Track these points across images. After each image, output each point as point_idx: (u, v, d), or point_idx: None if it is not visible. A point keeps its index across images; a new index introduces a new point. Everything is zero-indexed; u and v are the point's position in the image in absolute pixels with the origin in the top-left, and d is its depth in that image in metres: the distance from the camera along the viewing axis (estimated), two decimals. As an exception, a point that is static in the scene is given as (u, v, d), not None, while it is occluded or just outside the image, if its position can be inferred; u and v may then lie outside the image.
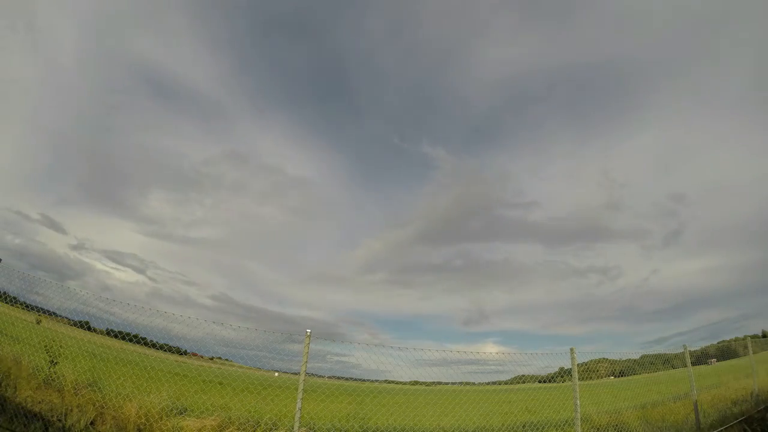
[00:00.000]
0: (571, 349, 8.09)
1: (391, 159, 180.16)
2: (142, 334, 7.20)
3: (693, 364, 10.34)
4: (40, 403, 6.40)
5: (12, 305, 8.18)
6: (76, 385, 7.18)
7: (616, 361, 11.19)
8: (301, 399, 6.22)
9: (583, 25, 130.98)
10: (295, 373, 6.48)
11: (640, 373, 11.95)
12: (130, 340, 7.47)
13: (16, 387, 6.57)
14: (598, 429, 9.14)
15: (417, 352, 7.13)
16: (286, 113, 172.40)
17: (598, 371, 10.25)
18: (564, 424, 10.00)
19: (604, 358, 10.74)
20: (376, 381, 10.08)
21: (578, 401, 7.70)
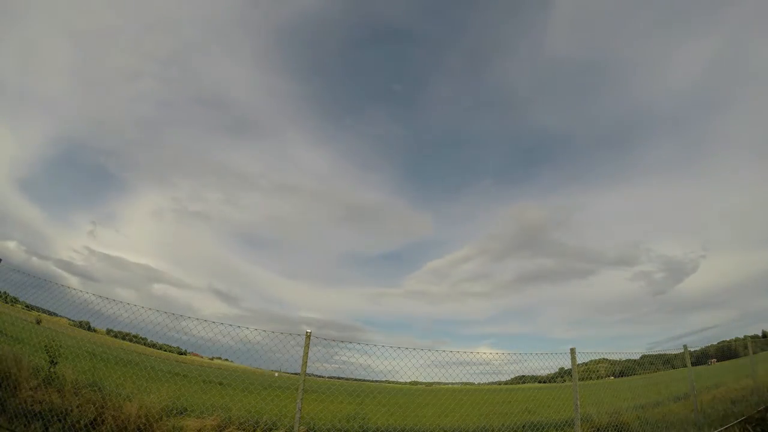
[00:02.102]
0: (572, 350, 8.08)
1: (450, 183, 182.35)
2: (142, 335, 7.20)
3: (693, 364, 10.33)
4: (40, 403, 6.40)
5: (12, 305, 8.18)
6: (76, 385, 7.18)
7: (616, 361, 11.17)
8: (301, 399, 6.22)
9: (618, 82, 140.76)
10: (296, 373, 6.48)
11: (640, 374, 11.95)
12: (130, 340, 7.47)
13: (16, 387, 6.57)
14: (598, 429, 9.13)
15: (417, 352, 7.14)
16: (340, 132, 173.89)
17: (598, 371, 10.25)
18: (564, 425, 9.99)
19: (604, 359, 10.73)
20: (376, 381, 10.08)
21: (578, 401, 7.69)
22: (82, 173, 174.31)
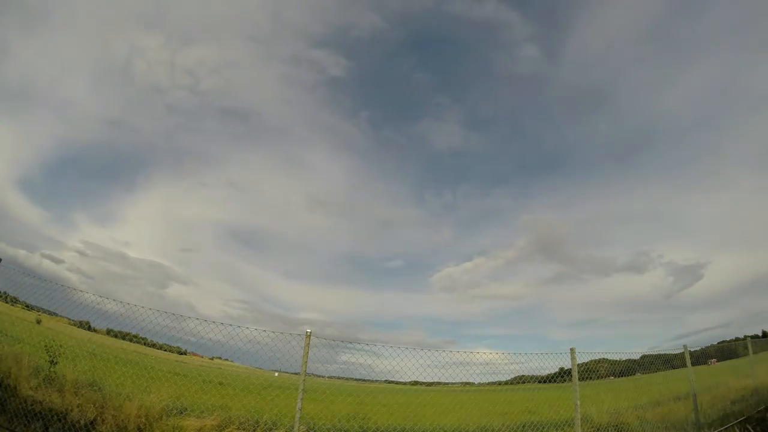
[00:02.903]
0: (572, 350, 8.08)
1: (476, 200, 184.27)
2: (143, 335, 7.18)
3: (693, 364, 10.33)
4: (40, 402, 6.40)
5: (12, 305, 8.18)
6: (76, 384, 7.17)
7: (616, 361, 11.17)
8: (302, 399, 6.22)
9: (629, 99, 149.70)
10: (297, 373, 6.48)
11: (640, 374, 11.96)
12: (130, 340, 7.47)
13: (16, 387, 6.57)
14: (598, 429, 9.14)
15: (418, 352, 7.14)
16: (359, 141, 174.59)
17: (598, 371, 10.25)
18: (564, 424, 9.99)
19: (604, 359, 10.74)
20: (376, 381, 10.10)
21: (578, 401, 7.69)
22: (91, 175, 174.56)
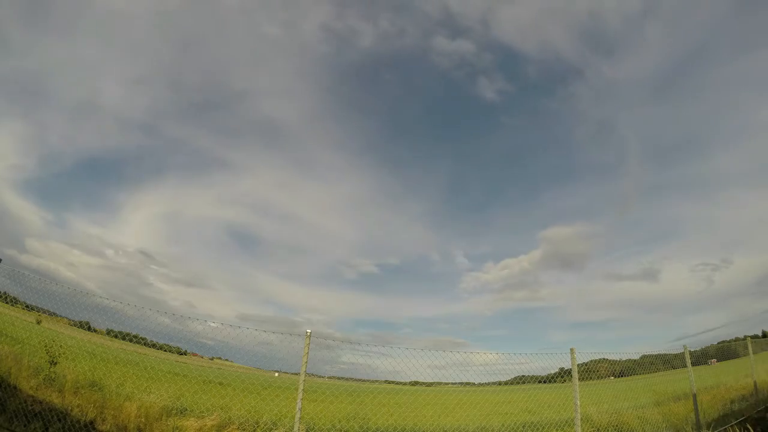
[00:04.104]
0: (571, 350, 8.08)
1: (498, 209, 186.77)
2: (143, 335, 7.19)
3: (693, 364, 10.33)
4: (40, 402, 6.40)
5: (12, 305, 8.18)
6: (76, 384, 7.18)
7: (616, 361, 11.16)
8: (302, 399, 6.22)
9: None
10: (297, 374, 6.48)
11: (640, 374, 11.95)
12: (130, 340, 7.46)
13: (16, 387, 6.57)
14: (598, 429, 9.14)
15: (418, 352, 7.14)
16: (376, 149, 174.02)
17: (598, 371, 10.25)
18: (564, 424, 10.00)
19: (604, 359, 10.73)
20: (376, 381, 10.09)
21: (578, 401, 7.69)
22: (96, 176, 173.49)
